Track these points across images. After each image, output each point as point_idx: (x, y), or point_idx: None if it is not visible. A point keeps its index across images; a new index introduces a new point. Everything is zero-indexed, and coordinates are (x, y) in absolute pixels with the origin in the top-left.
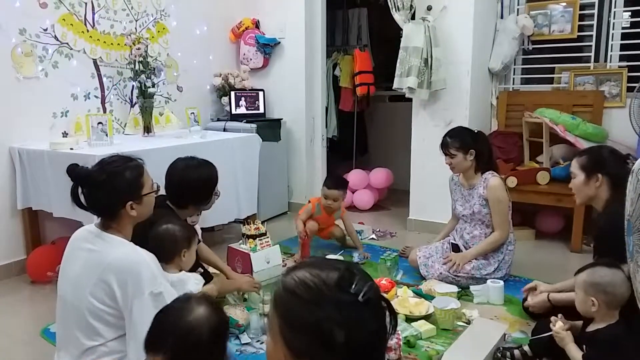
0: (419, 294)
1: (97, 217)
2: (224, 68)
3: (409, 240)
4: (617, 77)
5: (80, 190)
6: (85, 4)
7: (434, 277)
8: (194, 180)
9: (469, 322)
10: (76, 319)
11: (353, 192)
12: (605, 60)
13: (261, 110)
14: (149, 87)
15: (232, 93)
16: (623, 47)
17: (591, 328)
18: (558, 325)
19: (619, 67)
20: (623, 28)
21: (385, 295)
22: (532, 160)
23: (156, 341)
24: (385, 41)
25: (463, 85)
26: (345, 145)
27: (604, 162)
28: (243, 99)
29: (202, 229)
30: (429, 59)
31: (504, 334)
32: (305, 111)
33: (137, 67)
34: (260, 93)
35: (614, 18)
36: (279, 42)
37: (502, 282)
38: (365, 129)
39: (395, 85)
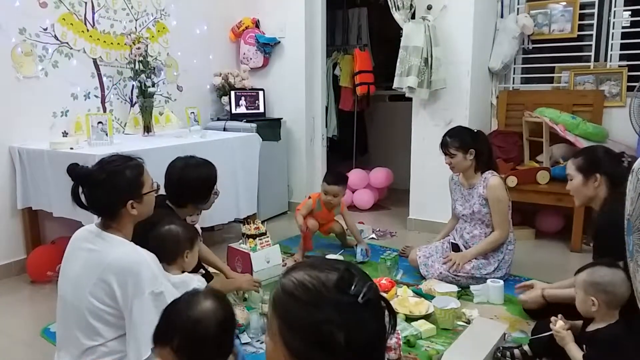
0: (419, 293)
1: (98, 217)
2: (224, 67)
3: (409, 239)
4: (617, 77)
5: (80, 189)
6: (85, 3)
7: (434, 277)
8: (192, 179)
9: (469, 322)
10: (76, 319)
11: (353, 192)
12: (605, 60)
13: (261, 109)
14: (149, 87)
15: (232, 92)
16: (623, 47)
17: (591, 328)
18: (558, 324)
19: (619, 66)
20: (623, 27)
21: (385, 295)
22: (532, 159)
23: (164, 333)
24: (385, 41)
25: (463, 84)
26: (345, 144)
27: (600, 162)
28: (243, 98)
29: (202, 228)
30: (429, 59)
31: (504, 334)
32: (305, 111)
33: (137, 66)
34: (260, 93)
35: (614, 17)
36: (279, 42)
37: (502, 282)
38: (365, 128)
39: (395, 85)
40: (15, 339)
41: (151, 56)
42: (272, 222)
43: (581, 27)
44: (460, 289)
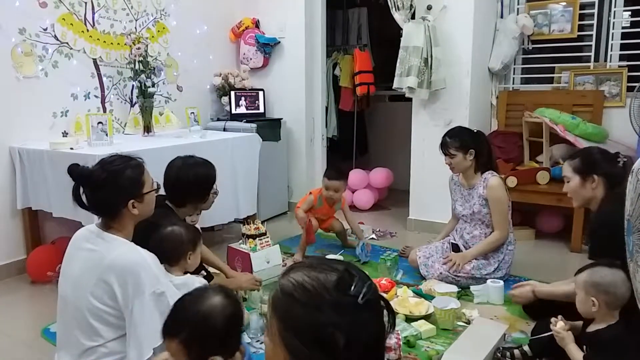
0: (419, 293)
1: (98, 217)
2: (224, 68)
3: (409, 240)
4: (617, 77)
5: (81, 190)
6: (85, 3)
7: (434, 277)
8: (190, 178)
9: (469, 322)
10: (77, 319)
11: (353, 192)
12: (605, 60)
13: (261, 110)
14: (149, 87)
15: (232, 93)
16: (623, 47)
17: (592, 328)
18: (559, 325)
19: (619, 66)
20: (623, 28)
21: (384, 295)
22: (532, 160)
23: (173, 326)
24: (385, 41)
25: (463, 85)
26: (345, 145)
27: (596, 163)
28: (243, 98)
29: (202, 228)
30: (429, 59)
31: (504, 334)
32: (305, 111)
33: (137, 66)
34: (260, 93)
35: (614, 18)
36: (279, 42)
37: (502, 282)
38: (365, 128)
39: (395, 85)
40: (15, 339)
41: (151, 56)
42: (272, 223)
43: (581, 27)
44: (460, 289)
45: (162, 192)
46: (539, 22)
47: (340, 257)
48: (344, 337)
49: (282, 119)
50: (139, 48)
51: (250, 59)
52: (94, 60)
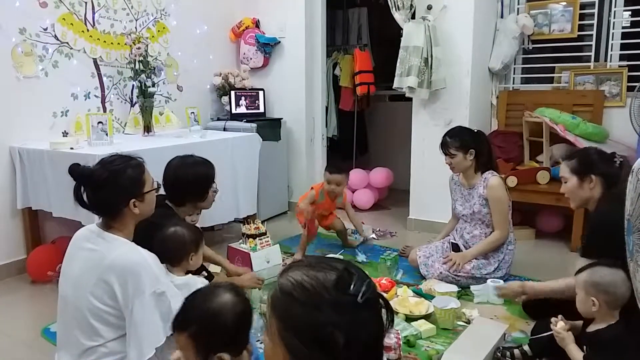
0: (419, 293)
1: (99, 217)
2: (224, 67)
3: (409, 239)
4: (617, 77)
5: (82, 189)
6: (85, 3)
7: (434, 277)
8: (188, 177)
9: (469, 322)
10: (77, 319)
11: (353, 192)
12: (606, 60)
13: (261, 109)
14: (149, 87)
15: (232, 92)
16: (623, 47)
17: (592, 328)
18: (559, 325)
19: (619, 66)
20: (623, 27)
21: (384, 294)
22: (532, 159)
23: (183, 320)
24: (386, 41)
25: (463, 84)
26: (345, 144)
27: (593, 163)
28: (243, 98)
29: (202, 228)
30: (429, 59)
31: (504, 334)
32: (306, 111)
33: (137, 66)
34: (261, 92)
35: (614, 17)
36: (279, 42)
37: (502, 282)
38: (365, 128)
39: (395, 85)
40: (15, 339)
41: (151, 56)
42: (272, 222)
43: (581, 27)
44: (460, 289)
45: (161, 191)
46: (539, 22)
47: (340, 257)
48: (344, 336)
49: (282, 118)
50: (139, 48)
51: (251, 58)
52: (94, 60)
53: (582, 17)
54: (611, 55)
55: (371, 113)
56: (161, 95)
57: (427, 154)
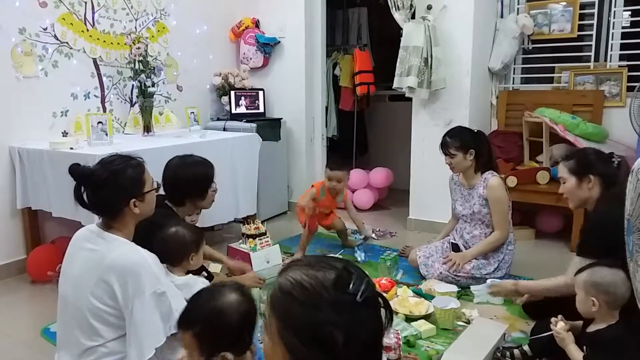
0: (418, 293)
1: (99, 217)
2: (224, 67)
3: (409, 239)
4: (617, 77)
5: (82, 189)
6: (85, 3)
7: (434, 277)
8: (186, 176)
9: (468, 322)
10: (77, 319)
11: (353, 192)
12: (605, 60)
13: (261, 109)
14: (149, 87)
15: (232, 92)
16: (623, 47)
17: (592, 328)
18: (559, 326)
19: (619, 66)
20: (623, 27)
21: (384, 294)
22: (532, 159)
23: (188, 318)
24: (385, 40)
25: (463, 84)
26: (345, 144)
27: (592, 163)
28: (243, 98)
29: (202, 228)
30: (429, 59)
31: (504, 334)
32: (305, 111)
33: (137, 66)
34: (260, 92)
35: (614, 17)
36: (279, 42)
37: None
38: (365, 128)
39: (395, 85)
40: (15, 339)
41: (151, 56)
42: (272, 222)
43: (581, 27)
44: (460, 289)
45: (161, 191)
46: (539, 21)
47: (340, 257)
48: (343, 336)
49: (282, 118)
50: (139, 48)
51: (250, 58)
52: (94, 60)
53: (582, 17)
54: (611, 55)
55: (371, 113)
56: (161, 95)
57: (427, 154)
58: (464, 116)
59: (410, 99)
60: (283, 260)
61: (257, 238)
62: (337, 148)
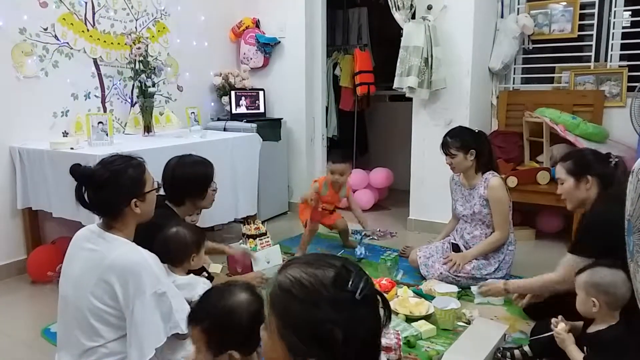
0: (419, 294)
1: (99, 217)
2: (224, 67)
3: (409, 240)
4: (618, 77)
5: (83, 190)
6: (86, 3)
7: (434, 277)
8: (186, 175)
9: (469, 322)
10: (77, 319)
11: (353, 192)
12: (606, 60)
13: (261, 109)
14: (149, 87)
15: (232, 92)
16: (623, 47)
17: (592, 329)
18: (560, 326)
19: (619, 66)
20: (623, 27)
21: (384, 294)
22: (532, 160)
23: (199, 314)
24: (386, 41)
25: (463, 84)
26: (346, 144)
27: (589, 164)
28: (243, 98)
29: (202, 228)
30: (429, 59)
31: (504, 334)
32: (306, 111)
33: (137, 66)
34: (261, 92)
35: (614, 17)
36: (279, 42)
37: None
38: (365, 128)
39: (395, 85)
40: (15, 339)
41: (151, 56)
42: (272, 222)
43: (581, 27)
44: (460, 289)
45: (161, 192)
46: (539, 21)
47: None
48: (342, 333)
49: (282, 118)
50: (139, 48)
51: (251, 58)
52: (94, 60)
53: (582, 17)
54: (611, 55)
55: (371, 113)
56: (161, 95)
57: (427, 154)
58: (464, 116)
59: (410, 99)
60: (283, 261)
61: (258, 238)
62: (337, 148)
